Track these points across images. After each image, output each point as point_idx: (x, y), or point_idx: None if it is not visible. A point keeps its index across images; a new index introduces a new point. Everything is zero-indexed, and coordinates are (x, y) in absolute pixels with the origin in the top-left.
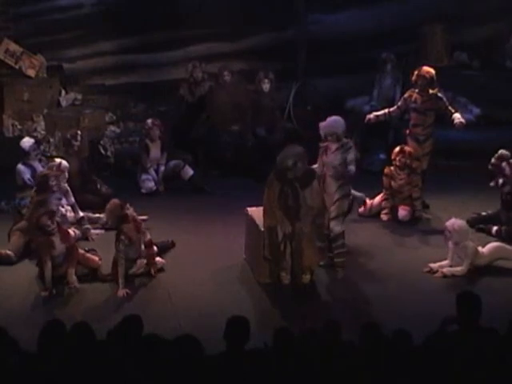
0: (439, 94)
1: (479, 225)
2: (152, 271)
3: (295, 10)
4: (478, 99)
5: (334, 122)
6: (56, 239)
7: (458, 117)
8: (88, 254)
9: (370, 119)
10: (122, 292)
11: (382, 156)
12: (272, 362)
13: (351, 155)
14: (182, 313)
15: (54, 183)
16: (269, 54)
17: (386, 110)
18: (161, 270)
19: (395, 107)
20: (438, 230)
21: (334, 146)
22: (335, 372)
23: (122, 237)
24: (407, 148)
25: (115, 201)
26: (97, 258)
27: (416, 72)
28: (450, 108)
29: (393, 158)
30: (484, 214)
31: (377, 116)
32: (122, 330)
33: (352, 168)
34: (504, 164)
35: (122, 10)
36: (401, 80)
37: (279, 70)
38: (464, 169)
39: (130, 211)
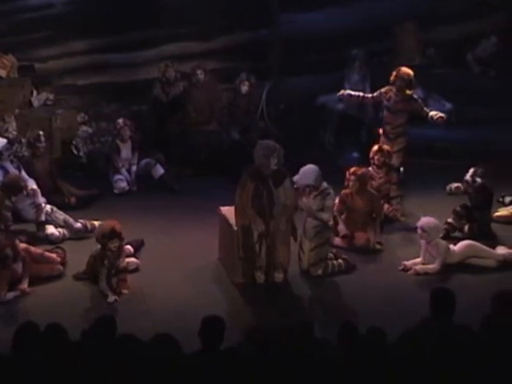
0: (415, 96)
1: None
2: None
3: (269, 9)
4: (449, 97)
5: (304, 174)
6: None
7: (435, 113)
8: (47, 253)
9: (342, 94)
10: (112, 298)
11: (355, 154)
12: (246, 361)
13: (329, 202)
14: (156, 313)
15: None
16: (243, 53)
17: (361, 94)
18: (135, 270)
19: (369, 95)
20: (413, 227)
21: (312, 193)
22: (309, 370)
23: (109, 253)
24: (385, 147)
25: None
26: (54, 255)
27: (394, 73)
28: (425, 108)
29: (371, 156)
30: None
31: (350, 95)
32: (96, 330)
33: (324, 216)
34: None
35: (94, 9)
36: (369, 76)
37: (253, 70)
38: (439, 167)
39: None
